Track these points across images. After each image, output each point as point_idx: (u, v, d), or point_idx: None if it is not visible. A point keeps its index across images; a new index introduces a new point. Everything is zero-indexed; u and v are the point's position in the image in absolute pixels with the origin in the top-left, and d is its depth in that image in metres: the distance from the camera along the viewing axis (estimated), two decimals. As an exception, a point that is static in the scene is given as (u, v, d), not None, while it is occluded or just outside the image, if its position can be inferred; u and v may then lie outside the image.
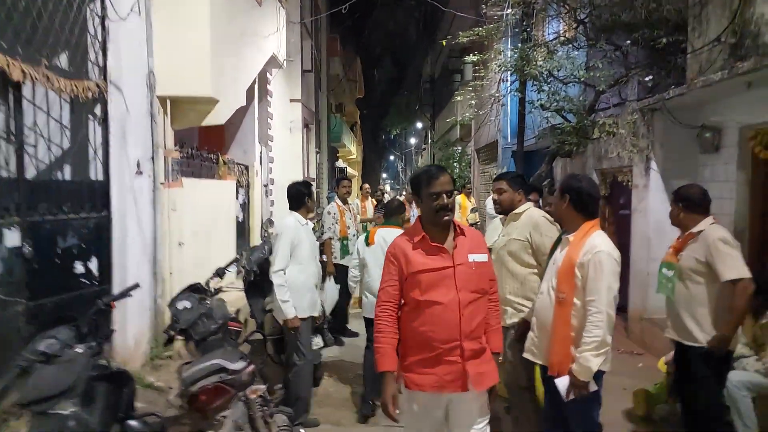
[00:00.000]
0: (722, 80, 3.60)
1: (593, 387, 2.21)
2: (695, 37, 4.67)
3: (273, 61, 7.31)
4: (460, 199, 9.03)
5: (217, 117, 4.92)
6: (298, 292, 3.47)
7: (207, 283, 3.46)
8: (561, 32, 7.38)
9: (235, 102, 5.33)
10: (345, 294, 5.55)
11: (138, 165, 4.30)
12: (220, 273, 3.48)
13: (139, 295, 4.28)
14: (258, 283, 4.53)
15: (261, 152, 7.91)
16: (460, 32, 6.80)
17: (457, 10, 15.76)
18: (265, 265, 4.53)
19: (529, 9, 7.10)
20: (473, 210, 7.73)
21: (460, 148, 16.55)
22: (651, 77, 4.63)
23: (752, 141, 3.98)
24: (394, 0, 18.90)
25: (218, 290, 3.51)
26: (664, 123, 4.77)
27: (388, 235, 3.60)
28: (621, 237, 6.13)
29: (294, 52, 10.04)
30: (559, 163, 7.25)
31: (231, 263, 3.56)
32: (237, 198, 6.88)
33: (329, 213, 5.63)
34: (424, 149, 28.16)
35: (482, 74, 10.36)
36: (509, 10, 6.98)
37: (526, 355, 2.56)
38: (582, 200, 2.43)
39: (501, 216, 3.32)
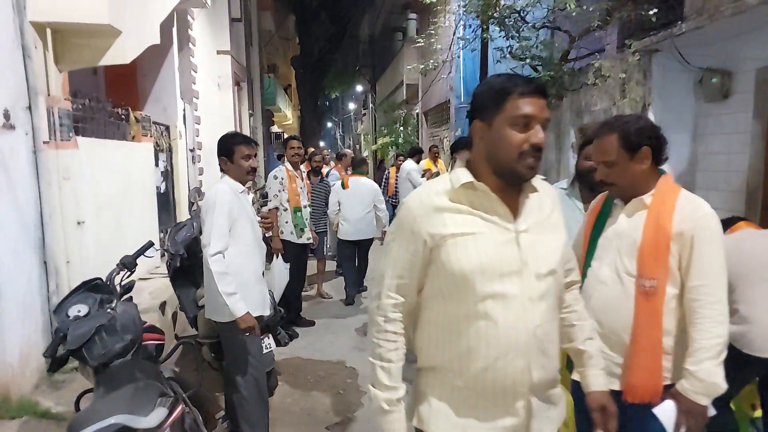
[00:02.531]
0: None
1: (712, 412, 1.52)
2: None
3: (194, -2, 6.03)
4: (423, 164, 8.27)
5: (121, 55, 3.73)
6: (243, 283, 2.55)
7: (111, 279, 2.46)
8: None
9: (144, 37, 4.13)
10: (297, 276, 4.67)
11: (6, 116, 3.09)
12: (128, 264, 2.48)
13: (21, 293, 3.18)
14: (187, 269, 3.58)
15: (185, 110, 6.65)
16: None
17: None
18: (194, 246, 3.58)
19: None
20: (437, 175, 7.01)
21: (404, 111, 15.70)
22: (655, 11, 4.00)
23: (771, 85, 3.46)
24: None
25: (128, 287, 2.52)
26: (663, 68, 4.18)
27: (358, 181, 5.58)
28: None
29: (219, -3, 8.63)
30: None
31: (144, 249, 2.55)
32: (157, 164, 5.68)
33: (275, 177, 4.65)
34: (365, 114, 27.04)
35: (431, 30, 9.49)
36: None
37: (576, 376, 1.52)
38: (661, 150, 1.71)
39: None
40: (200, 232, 3.89)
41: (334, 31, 19.26)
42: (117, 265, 2.48)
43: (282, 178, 4.57)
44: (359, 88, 26.31)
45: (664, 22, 4.64)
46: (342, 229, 5.56)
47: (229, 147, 2.61)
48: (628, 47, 4.24)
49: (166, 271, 3.81)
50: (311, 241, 4.86)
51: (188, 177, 6.67)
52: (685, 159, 4.26)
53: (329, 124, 44.46)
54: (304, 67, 19.78)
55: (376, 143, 22.50)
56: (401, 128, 15.60)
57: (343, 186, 5.55)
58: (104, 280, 2.49)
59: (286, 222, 4.57)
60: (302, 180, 4.79)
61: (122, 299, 2.50)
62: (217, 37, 8.72)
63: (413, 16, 16.72)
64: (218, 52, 8.72)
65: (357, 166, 5.86)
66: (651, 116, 4.27)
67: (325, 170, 8.49)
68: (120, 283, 2.50)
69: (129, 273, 2.52)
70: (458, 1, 6.29)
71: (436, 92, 11.92)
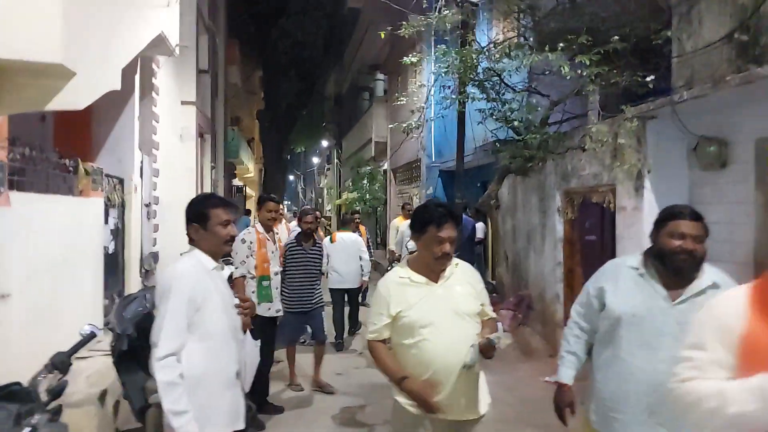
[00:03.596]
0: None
1: None
2: (686, 38, 4.06)
3: (161, 45, 5.64)
4: (396, 222, 7.93)
5: (73, 100, 3.24)
6: (209, 391, 1.99)
7: (34, 385, 1.88)
8: (500, 38, 6.71)
9: (102, 82, 3.67)
10: (267, 355, 4.07)
11: None
12: (59, 364, 1.90)
13: None
14: (135, 351, 2.98)
15: (142, 162, 6.10)
16: (404, 23, 5.74)
17: (370, 25, 15.02)
18: (145, 323, 2.99)
19: (472, 10, 6.33)
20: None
21: (370, 167, 15.58)
22: (652, 77, 3.94)
23: (773, 156, 3.37)
24: (302, 10, 17.66)
25: (57, 391, 1.95)
26: (657, 134, 4.07)
27: (345, 236, 6.47)
28: (587, 267, 5.39)
29: (187, 48, 8.33)
30: (506, 183, 6.45)
31: (83, 343, 1.99)
32: (106, 222, 5.05)
33: (243, 241, 4.10)
34: (329, 169, 26.93)
35: (410, 89, 9.48)
36: (447, 12, 6.11)
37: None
38: None
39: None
40: (154, 306, 3.29)
41: (302, 88, 19.34)
42: (45, 365, 1.90)
43: (251, 242, 4.05)
44: (324, 143, 26.35)
45: (648, 90, 4.63)
46: (332, 279, 6.28)
47: (202, 211, 2.10)
48: (621, 112, 4.13)
49: (110, 352, 3.18)
50: (280, 313, 4.30)
51: (141, 235, 6.02)
52: (682, 228, 4.07)
53: (291, 177, 44.17)
54: (270, 120, 19.59)
55: (340, 197, 22.25)
56: (368, 184, 15.42)
57: (331, 240, 6.36)
58: (25, 385, 1.89)
59: (253, 292, 4.01)
60: (274, 243, 4.27)
61: (48, 409, 1.90)
62: (182, 87, 8.34)
63: (381, 76, 17.03)
64: (183, 103, 8.31)
65: (345, 223, 6.95)
66: (647, 183, 4.12)
67: (286, 227, 8.00)
68: (47, 389, 1.91)
69: (61, 375, 1.93)
70: (436, 63, 6.21)
71: (406, 150, 11.85)
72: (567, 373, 2.12)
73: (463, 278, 2.18)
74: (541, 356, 5.43)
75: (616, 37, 4.11)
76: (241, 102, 20.06)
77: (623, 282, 1.97)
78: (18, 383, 1.91)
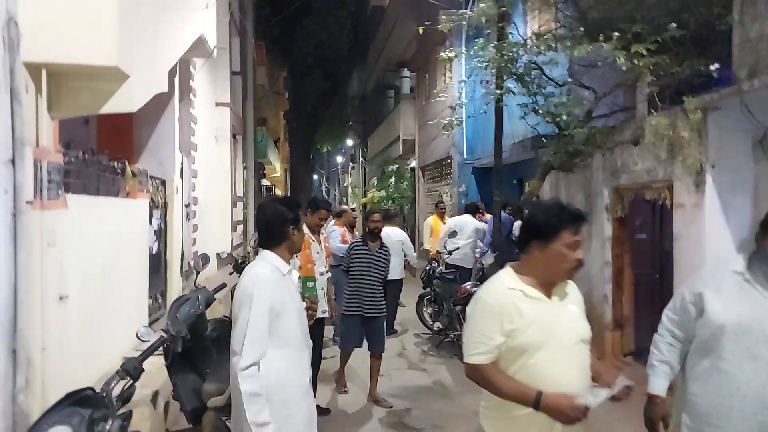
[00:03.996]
0: None
1: None
2: (749, 23, 3.84)
3: (200, 47, 5.66)
4: (430, 221, 7.82)
5: (128, 102, 3.24)
6: (288, 400, 1.94)
7: (108, 391, 1.85)
8: (536, 30, 6.53)
9: (152, 84, 3.68)
10: (314, 356, 4.03)
11: (-18, 171, 2.54)
12: (131, 370, 1.87)
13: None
14: (188, 353, 2.97)
15: (182, 164, 6.15)
16: (443, 16, 5.63)
17: (396, 22, 14.91)
18: (198, 325, 2.99)
19: (510, 2, 6.17)
20: (452, 234, 6.48)
21: (398, 165, 15.48)
22: (716, 66, 3.74)
23: None
24: (326, 10, 17.66)
25: (127, 397, 1.92)
26: (719, 126, 3.87)
27: (390, 230, 6.41)
28: (636, 266, 5.20)
29: (221, 51, 8.39)
30: (547, 180, 6.26)
31: (154, 348, 1.96)
32: (150, 222, 5.09)
33: None
34: (353, 168, 26.95)
35: (443, 85, 9.35)
36: (483, 4, 5.98)
37: None
38: None
39: None
40: (206, 306, 3.27)
41: (327, 88, 19.37)
42: (117, 371, 1.87)
43: None
44: (349, 142, 26.37)
45: (704, 80, 4.41)
46: None
47: (283, 220, 2.02)
48: (677, 105, 3.93)
49: (161, 353, 3.17)
50: (326, 314, 4.25)
51: (182, 235, 6.06)
52: (746, 225, 3.87)
53: (315, 177, 44.40)
54: (297, 120, 19.68)
55: (365, 196, 22.24)
56: (394, 182, 15.32)
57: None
58: (97, 390, 1.87)
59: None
60: (319, 244, 4.23)
61: (119, 414, 1.88)
62: (216, 89, 8.40)
63: (407, 74, 16.91)
64: (217, 104, 8.37)
65: (389, 218, 6.49)
66: (709, 179, 3.92)
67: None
68: (118, 394, 1.88)
69: (131, 381, 1.90)
70: (474, 58, 6.06)
71: (435, 147, 11.72)
72: (660, 384, 1.99)
73: (575, 297, 1.90)
74: (589, 358, 5.25)
75: (674, 24, 3.91)
76: (267, 103, 20.22)
77: (726, 288, 1.82)
78: (91, 388, 1.89)
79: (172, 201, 5.73)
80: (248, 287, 1.92)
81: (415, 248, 7.91)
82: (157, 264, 5.36)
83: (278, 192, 21.47)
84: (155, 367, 3.88)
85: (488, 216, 8.00)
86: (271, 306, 1.88)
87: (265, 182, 17.93)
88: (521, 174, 8.32)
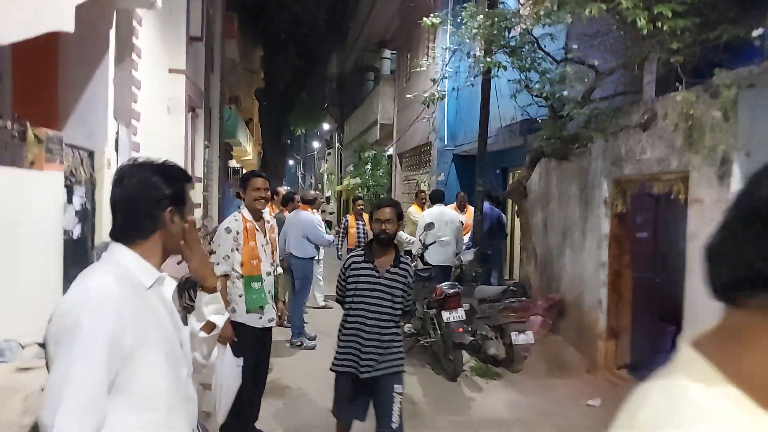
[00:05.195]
0: None
1: None
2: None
3: (140, -7, 4.78)
4: (413, 210, 7.10)
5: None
6: None
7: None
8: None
9: (42, 16, 2.81)
10: (254, 376, 3.23)
11: None
12: None
13: None
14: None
15: (118, 134, 5.26)
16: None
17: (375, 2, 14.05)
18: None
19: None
20: (428, 226, 5.72)
21: (375, 152, 14.69)
22: (760, 32, 3.09)
23: None
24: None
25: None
26: (750, 108, 3.24)
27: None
28: (635, 268, 4.60)
29: (175, 11, 7.44)
30: (537, 170, 5.62)
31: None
32: (70, 201, 4.23)
33: (228, 231, 3.25)
34: (329, 154, 26.02)
35: (410, 70, 8.60)
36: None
37: None
38: None
39: None
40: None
41: (301, 66, 18.31)
42: None
43: (237, 233, 3.18)
44: (326, 126, 25.38)
45: (728, 56, 3.78)
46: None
47: (155, 198, 1.26)
48: (701, 82, 3.29)
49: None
50: (273, 323, 3.40)
51: (116, 218, 5.20)
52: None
53: (290, 162, 43.17)
54: (268, 99, 18.62)
55: (341, 183, 21.38)
56: (370, 169, 14.55)
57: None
58: None
59: (240, 296, 3.16)
60: (264, 235, 3.36)
61: None
62: (171, 53, 7.46)
63: (388, 54, 16.09)
64: (171, 71, 7.44)
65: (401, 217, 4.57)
66: (736, 170, 3.29)
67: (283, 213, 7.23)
68: None
69: None
70: (461, 26, 5.32)
71: (414, 133, 10.99)
72: None
73: None
74: (577, 372, 4.65)
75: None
76: (240, 81, 19.09)
77: None
78: None
79: (103, 177, 4.86)
80: (72, 312, 1.13)
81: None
82: (82, 251, 4.52)
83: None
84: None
85: (470, 208, 7.36)
86: (111, 342, 1.09)
87: (233, 164, 16.92)
88: (506, 163, 7.67)
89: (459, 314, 4.25)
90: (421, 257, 5.58)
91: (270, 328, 3.31)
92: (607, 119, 4.36)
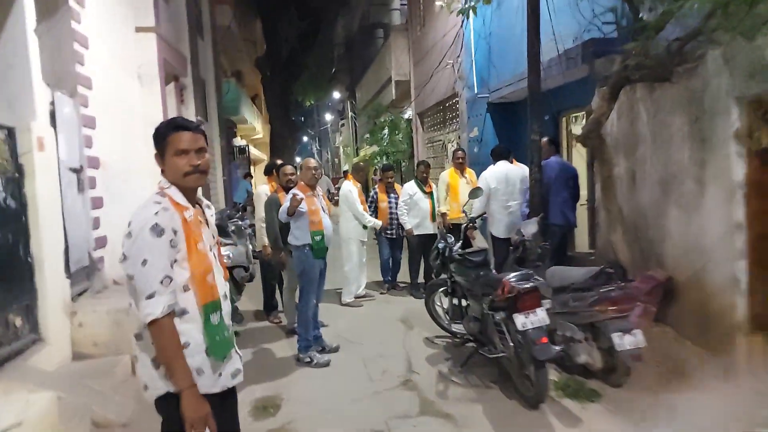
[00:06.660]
0: None
1: None
2: None
3: None
4: (446, 176, 5.73)
5: None
6: None
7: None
8: None
9: None
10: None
11: None
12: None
13: None
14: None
15: (54, 105, 4.00)
16: None
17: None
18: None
19: None
20: (473, 192, 4.34)
21: (392, 116, 13.16)
22: None
23: None
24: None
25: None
26: None
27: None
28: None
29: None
30: (622, 97, 4.11)
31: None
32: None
33: (159, 231, 1.93)
34: (343, 125, 24.51)
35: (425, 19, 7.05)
36: None
37: None
38: None
39: None
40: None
41: (305, 29, 16.68)
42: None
43: (173, 231, 1.89)
44: (336, 95, 23.78)
45: None
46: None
47: None
48: None
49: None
50: (240, 378, 2.13)
51: (64, 216, 3.99)
52: None
53: (305, 138, 41.83)
54: (271, 69, 17.14)
55: (357, 155, 19.90)
56: (387, 134, 13.08)
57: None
58: None
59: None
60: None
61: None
62: (137, 9, 6.12)
63: (397, 5, 14.42)
64: (138, 30, 6.10)
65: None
66: None
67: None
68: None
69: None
70: None
71: (436, 86, 9.47)
72: None
73: None
74: (709, 380, 3.27)
75: None
76: (241, 54, 17.64)
77: None
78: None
79: (32, 162, 3.63)
80: None
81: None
82: (8, 264, 3.32)
83: (258, 154, 19.15)
84: None
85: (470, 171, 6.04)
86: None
87: (238, 141, 15.67)
88: (559, 105, 6.14)
89: (540, 317, 2.91)
90: (464, 237, 4.25)
91: (234, 388, 1.98)
92: (744, 8, 2.84)
